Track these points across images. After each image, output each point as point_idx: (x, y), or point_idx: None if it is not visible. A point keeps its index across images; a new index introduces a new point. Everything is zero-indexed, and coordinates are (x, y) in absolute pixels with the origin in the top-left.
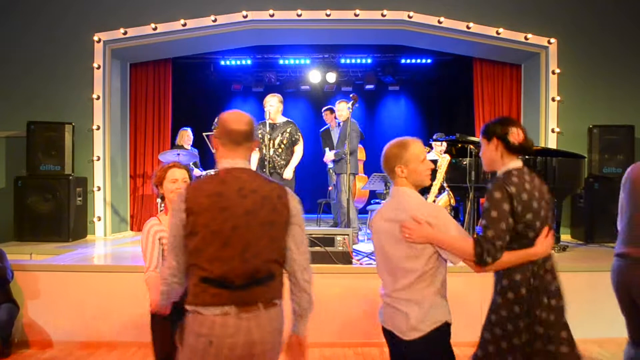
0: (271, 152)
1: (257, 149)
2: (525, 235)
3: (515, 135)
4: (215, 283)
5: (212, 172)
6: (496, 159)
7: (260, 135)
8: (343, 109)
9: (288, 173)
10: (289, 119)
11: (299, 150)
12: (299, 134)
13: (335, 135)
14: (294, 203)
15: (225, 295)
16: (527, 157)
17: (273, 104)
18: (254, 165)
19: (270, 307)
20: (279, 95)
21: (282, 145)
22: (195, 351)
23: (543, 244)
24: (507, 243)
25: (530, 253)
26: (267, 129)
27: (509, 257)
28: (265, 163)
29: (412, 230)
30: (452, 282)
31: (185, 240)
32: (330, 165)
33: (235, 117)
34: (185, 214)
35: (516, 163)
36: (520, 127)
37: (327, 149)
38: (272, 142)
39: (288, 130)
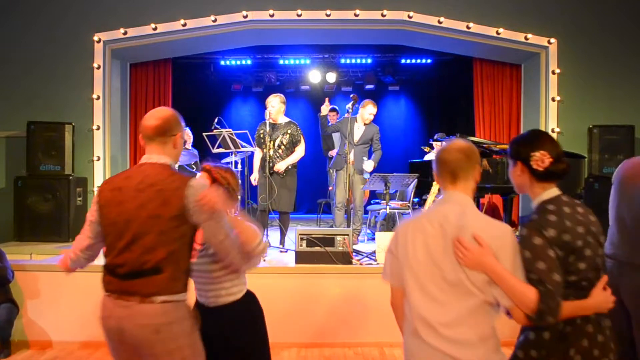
0: (271, 153)
1: (259, 149)
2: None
3: (538, 162)
4: (107, 270)
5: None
6: (524, 184)
7: (261, 136)
8: (374, 112)
9: (281, 165)
10: (291, 120)
11: (299, 150)
12: (301, 134)
13: (335, 135)
14: (194, 196)
15: (113, 283)
16: None
17: (275, 104)
18: (256, 165)
19: (146, 302)
20: (281, 95)
21: (282, 146)
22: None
23: (600, 295)
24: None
25: (584, 306)
26: (268, 129)
27: (566, 312)
28: (266, 163)
29: (468, 251)
30: None
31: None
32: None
33: (149, 114)
34: (96, 206)
35: (550, 192)
36: (548, 148)
37: (365, 158)
38: (272, 142)
39: (289, 131)
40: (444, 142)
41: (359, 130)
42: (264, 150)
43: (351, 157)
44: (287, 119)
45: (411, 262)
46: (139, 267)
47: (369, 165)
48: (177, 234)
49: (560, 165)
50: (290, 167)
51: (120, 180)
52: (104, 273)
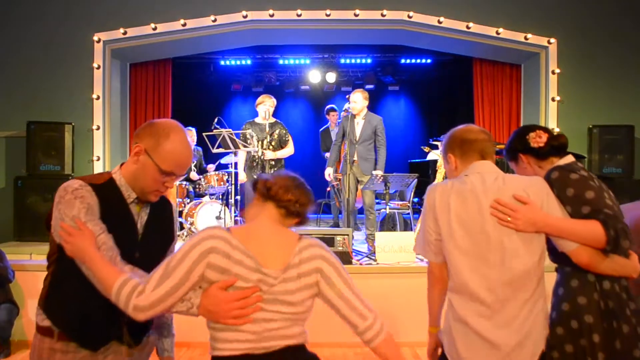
0: (259, 153)
1: (244, 148)
2: None
3: (536, 139)
4: None
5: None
6: (537, 174)
7: (248, 135)
8: (358, 100)
9: (269, 155)
10: (277, 120)
11: (289, 148)
12: (288, 134)
13: (335, 135)
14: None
15: None
16: None
17: (272, 104)
18: (241, 165)
19: None
20: (272, 97)
21: (271, 147)
22: None
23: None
24: None
25: (630, 263)
26: (260, 129)
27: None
28: (254, 164)
29: (517, 212)
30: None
31: None
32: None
33: None
34: None
35: (564, 159)
36: (537, 128)
37: (370, 157)
38: (260, 142)
39: (277, 131)
40: (456, 127)
41: (358, 127)
42: (255, 150)
43: (355, 157)
44: (273, 119)
45: (456, 235)
46: None
47: (377, 173)
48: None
49: (560, 138)
50: (279, 165)
51: None
52: None
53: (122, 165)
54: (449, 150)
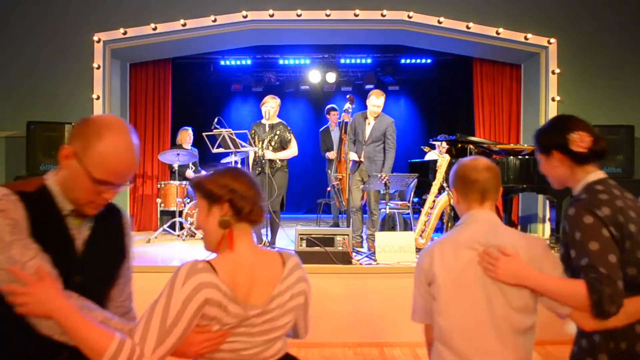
0: (260, 152)
1: (243, 148)
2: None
3: (579, 143)
4: None
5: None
6: (565, 175)
7: (252, 136)
8: (382, 104)
9: (269, 154)
10: (281, 120)
11: (291, 149)
12: (291, 134)
13: (335, 135)
14: None
15: None
16: (527, 157)
17: (274, 105)
18: (249, 164)
19: None
20: (277, 98)
21: (270, 147)
22: None
23: None
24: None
25: None
26: (262, 129)
27: (634, 305)
28: (256, 163)
29: (497, 261)
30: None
31: None
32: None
33: None
34: None
35: (595, 174)
36: (583, 127)
37: (377, 160)
38: (261, 142)
39: (278, 131)
40: (464, 159)
41: (369, 127)
42: (259, 152)
43: (362, 157)
44: (278, 120)
45: (453, 292)
46: None
47: (385, 172)
48: None
49: (601, 143)
50: (280, 164)
51: None
52: None
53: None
54: (452, 184)
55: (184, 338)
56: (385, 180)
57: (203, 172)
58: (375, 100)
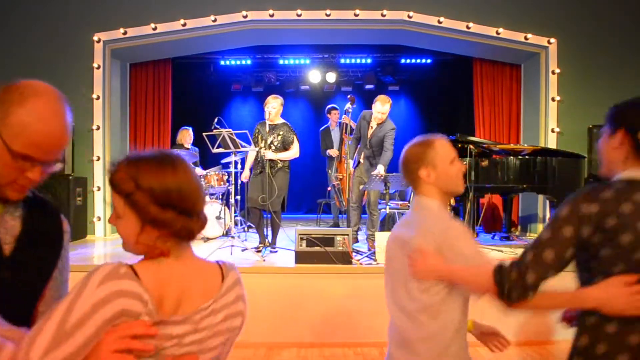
0: (262, 152)
1: (243, 148)
2: (607, 269)
3: None
4: None
5: (213, 170)
6: (617, 160)
7: (256, 135)
8: (387, 111)
9: (270, 154)
10: (285, 121)
11: (293, 150)
12: (294, 135)
13: (335, 134)
14: None
15: None
16: (527, 157)
17: (275, 105)
18: (248, 164)
19: None
20: (281, 97)
21: (273, 146)
22: None
23: (610, 289)
24: (545, 279)
25: (582, 297)
26: (266, 129)
27: (551, 300)
28: (258, 163)
29: (416, 264)
30: None
31: None
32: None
33: None
34: None
35: (637, 173)
36: None
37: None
38: (264, 142)
39: (281, 132)
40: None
41: (371, 130)
42: (261, 152)
43: (362, 158)
44: (282, 120)
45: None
46: None
47: (379, 169)
48: None
49: None
50: (280, 165)
51: None
52: None
53: None
54: None
55: (85, 352)
56: (380, 177)
57: (204, 173)
58: (381, 107)
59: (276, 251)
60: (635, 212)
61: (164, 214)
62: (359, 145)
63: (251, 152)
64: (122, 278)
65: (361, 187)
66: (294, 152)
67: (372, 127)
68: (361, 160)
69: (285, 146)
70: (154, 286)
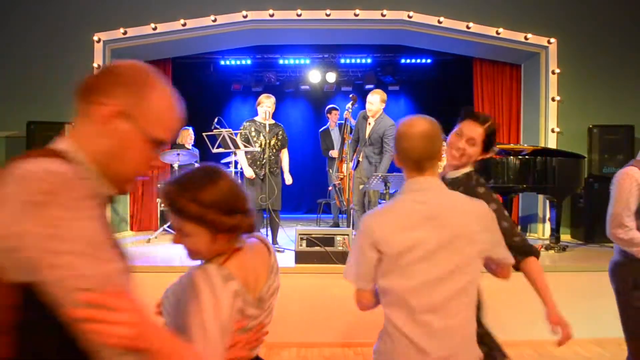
0: (268, 153)
1: (244, 148)
2: None
3: None
4: None
5: None
6: None
7: (252, 134)
8: (375, 102)
9: (289, 178)
10: (277, 122)
11: (286, 153)
12: (287, 136)
13: (335, 135)
14: None
15: None
16: (527, 157)
17: (270, 104)
18: (245, 163)
19: None
20: (273, 96)
21: (275, 147)
22: None
23: None
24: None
25: None
26: (266, 129)
27: None
28: (258, 163)
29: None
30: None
31: None
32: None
33: None
34: None
35: None
36: None
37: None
38: (267, 143)
39: (280, 133)
40: (404, 119)
41: (368, 128)
42: (260, 151)
43: (360, 157)
44: (273, 121)
45: (402, 259)
46: None
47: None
48: None
49: None
50: (276, 167)
51: None
52: None
53: (75, 139)
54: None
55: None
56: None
57: None
58: (370, 97)
59: (283, 251)
60: None
61: (233, 219)
62: (358, 147)
63: (242, 153)
64: (229, 279)
65: (361, 187)
66: (287, 157)
67: (369, 124)
68: (360, 160)
69: (282, 146)
70: (242, 278)
